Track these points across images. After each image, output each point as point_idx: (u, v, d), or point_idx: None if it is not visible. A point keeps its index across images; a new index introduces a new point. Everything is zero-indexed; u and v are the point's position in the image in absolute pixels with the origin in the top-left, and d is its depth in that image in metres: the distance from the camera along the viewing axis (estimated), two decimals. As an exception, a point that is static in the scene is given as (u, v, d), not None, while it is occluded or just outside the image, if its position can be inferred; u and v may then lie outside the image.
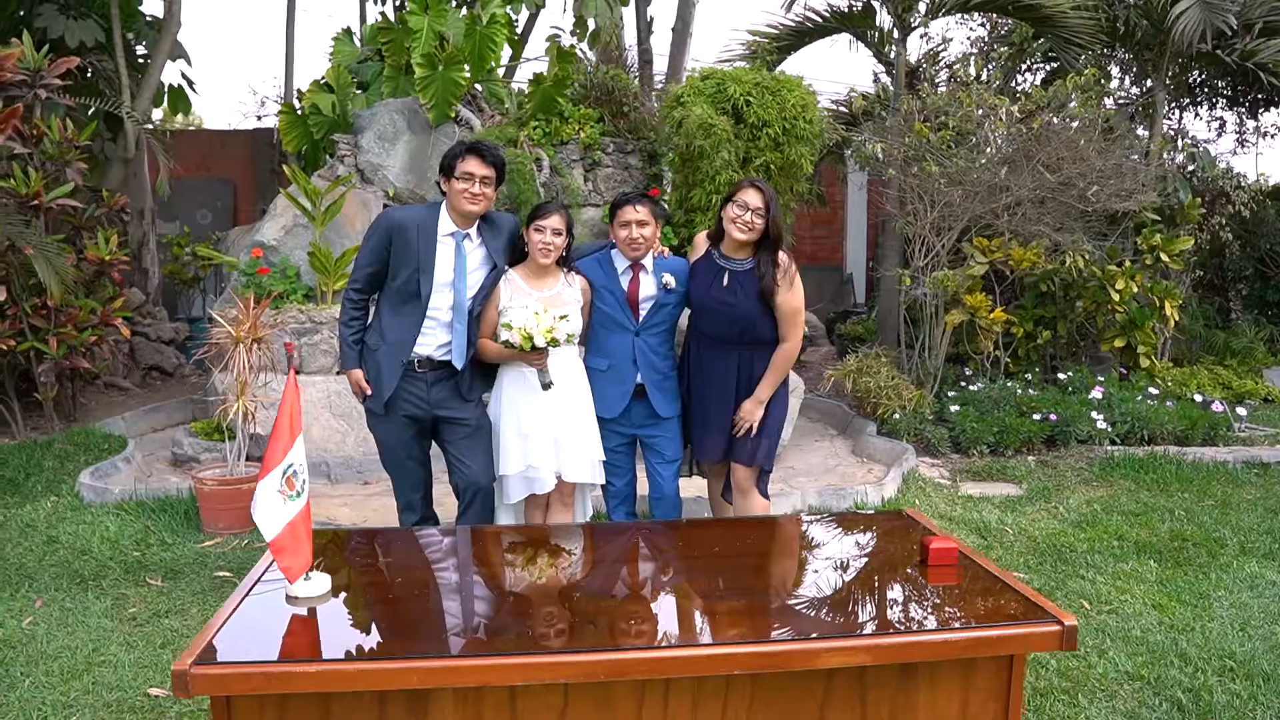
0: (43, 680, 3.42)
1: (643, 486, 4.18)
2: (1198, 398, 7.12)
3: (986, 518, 5.22)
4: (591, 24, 9.23)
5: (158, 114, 9.59)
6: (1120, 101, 8.69)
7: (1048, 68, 8.12)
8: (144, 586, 4.26)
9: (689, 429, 4.16)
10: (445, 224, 3.78)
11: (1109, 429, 6.49)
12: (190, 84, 8.61)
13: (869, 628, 2.06)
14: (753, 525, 3.12)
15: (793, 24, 7.98)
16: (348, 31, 7.64)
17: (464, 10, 6.94)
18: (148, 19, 7.76)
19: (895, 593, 2.27)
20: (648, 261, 3.96)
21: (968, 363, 7.64)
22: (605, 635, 2.08)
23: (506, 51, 7.71)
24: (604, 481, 4.01)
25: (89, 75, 7.31)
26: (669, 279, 3.96)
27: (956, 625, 2.02)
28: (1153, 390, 7.13)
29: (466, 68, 6.79)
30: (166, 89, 8.41)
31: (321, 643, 2.09)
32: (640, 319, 3.95)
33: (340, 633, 2.12)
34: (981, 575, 2.29)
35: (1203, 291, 9.81)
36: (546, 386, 3.71)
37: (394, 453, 3.91)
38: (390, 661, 1.97)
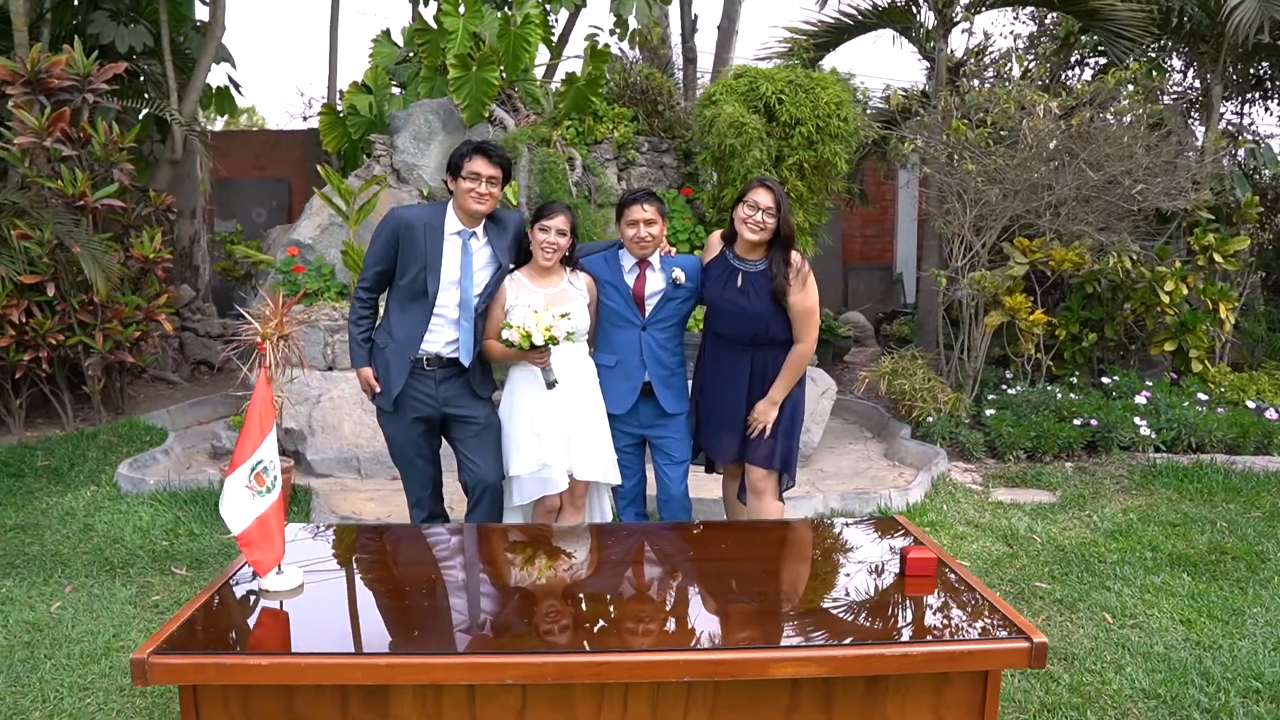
0: (64, 663, 3.55)
1: (652, 487, 4.17)
2: (1251, 404, 6.82)
3: (1015, 525, 5.08)
4: (632, 23, 9.23)
5: (218, 120, 9.89)
6: (1175, 96, 8.37)
7: (1097, 63, 7.85)
8: (169, 575, 4.39)
9: (702, 427, 4.14)
10: (452, 222, 3.82)
11: (1153, 435, 6.26)
12: (236, 86, 8.84)
13: (831, 638, 2.01)
14: (739, 529, 3.08)
15: (831, 20, 7.86)
16: (386, 33, 7.76)
17: (500, 11, 6.98)
18: (195, 24, 7.99)
19: (866, 603, 2.21)
20: (655, 259, 3.96)
21: (1009, 365, 7.45)
22: (561, 637, 2.07)
23: (543, 52, 7.75)
24: (618, 480, 3.99)
25: (139, 79, 7.56)
26: (679, 274, 3.94)
27: (918, 638, 1.96)
28: (1203, 396, 6.86)
29: (500, 68, 6.83)
30: (213, 91, 8.64)
31: (283, 636, 2.12)
32: (647, 314, 3.94)
33: (305, 626, 2.15)
34: (958, 588, 2.22)
35: (1267, 293, 9.40)
36: (551, 385, 3.73)
37: (403, 450, 3.95)
38: (347, 657, 1.99)
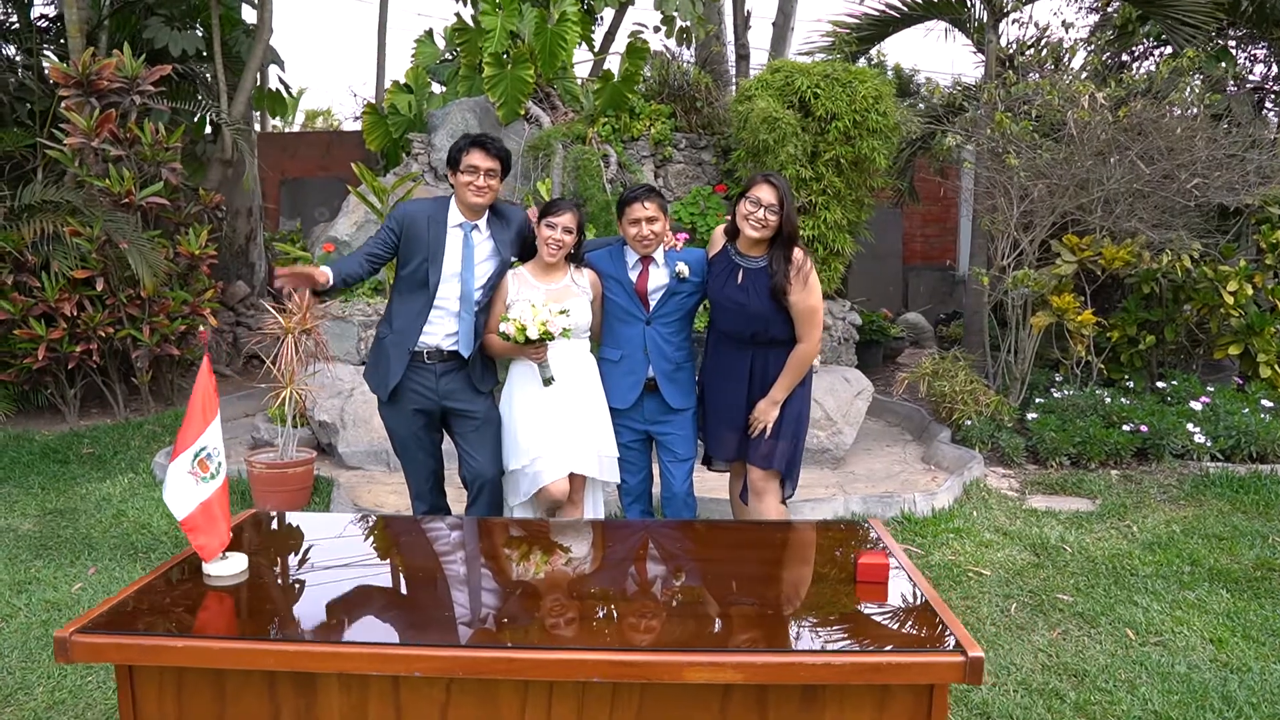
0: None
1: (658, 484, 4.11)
2: (1322, 413, 6.39)
3: (1046, 534, 4.86)
4: (679, 21, 9.16)
5: (297, 120, 10.13)
6: (1253, 86, 7.92)
7: (1162, 53, 7.46)
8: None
9: (704, 422, 4.07)
10: (454, 215, 3.82)
11: (1208, 443, 5.92)
12: (286, 88, 9.08)
13: (756, 643, 1.92)
14: (705, 529, 2.99)
15: (876, 13, 7.66)
16: (429, 33, 7.87)
17: (538, 9, 7.00)
18: (246, 28, 8.23)
19: (807, 607, 2.12)
20: (658, 255, 3.90)
21: (1059, 368, 7.14)
22: (482, 632, 2.04)
23: (583, 50, 7.76)
24: (616, 479, 3.94)
25: (192, 82, 7.84)
26: (682, 268, 3.88)
27: (847, 647, 1.86)
28: (1268, 403, 6.46)
29: (535, 65, 6.86)
30: (265, 93, 8.89)
31: (217, 620, 2.14)
32: (651, 309, 3.89)
33: (241, 612, 2.17)
34: (908, 596, 2.11)
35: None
36: (548, 382, 3.71)
37: (403, 442, 3.97)
38: (267, 643, 2.00)
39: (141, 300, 6.41)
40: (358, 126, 12.67)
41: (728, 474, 4.28)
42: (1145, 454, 6.02)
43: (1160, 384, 6.79)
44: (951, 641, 1.85)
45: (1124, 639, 3.72)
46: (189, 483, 2.17)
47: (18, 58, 7.35)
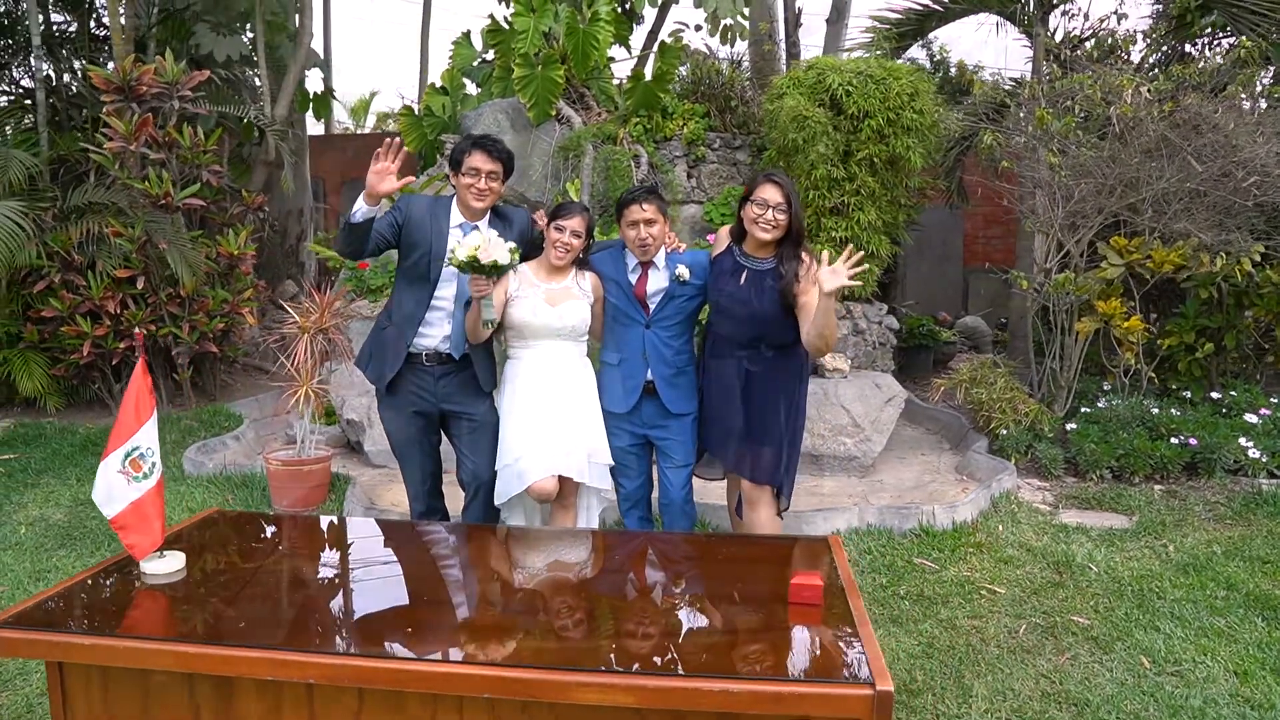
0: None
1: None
2: (1395, 428, 5.95)
3: (1073, 551, 4.61)
4: (725, 20, 9.05)
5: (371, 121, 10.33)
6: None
7: (1224, 44, 7.04)
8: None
9: (702, 429, 3.97)
10: (455, 215, 3.82)
11: (1264, 458, 5.56)
12: (331, 91, 9.26)
13: (649, 666, 1.83)
14: (662, 541, 2.90)
15: (920, 7, 7.42)
16: (466, 35, 7.92)
17: (572, 9, 6.98)
18: (290, 33, 8.42)
19: (728, 629, 2.01)
20: (659, 258, 3.82)
21: (1106, 376, 6.81)
22: (394, 640, 2.00)
23: (619, 51, 7.71)
24: (606, 485, 3.86)
25: (239, 87, 8.05)
26: (683, 270, 3.79)
27: (750, 674, 1.75)
28: (1335, 417, 6.04)
29: (567, 65, 6.83)
30: (310, 96, 9.08)
31: (141, 619, 2.15)
32: (650, 312, 3.82)
33: (164, 609, 2.18)
34: (838, 620, 1.99)
35: None
36: (487, 325, 3.57)
37: (400, 443, 3.98)
38: (183, 644, 2.00)
39: (181, 299, 6.60)
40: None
41: (724, 483, 4.18)
42: (1195, 468, 5.69)
43: (1217, 395, 6.41)
44: (865, 672, 1.73)
45: (1138, 667, 3.50)
46: (120, 482, 2.19)
47: (76, 64, 7.66)
